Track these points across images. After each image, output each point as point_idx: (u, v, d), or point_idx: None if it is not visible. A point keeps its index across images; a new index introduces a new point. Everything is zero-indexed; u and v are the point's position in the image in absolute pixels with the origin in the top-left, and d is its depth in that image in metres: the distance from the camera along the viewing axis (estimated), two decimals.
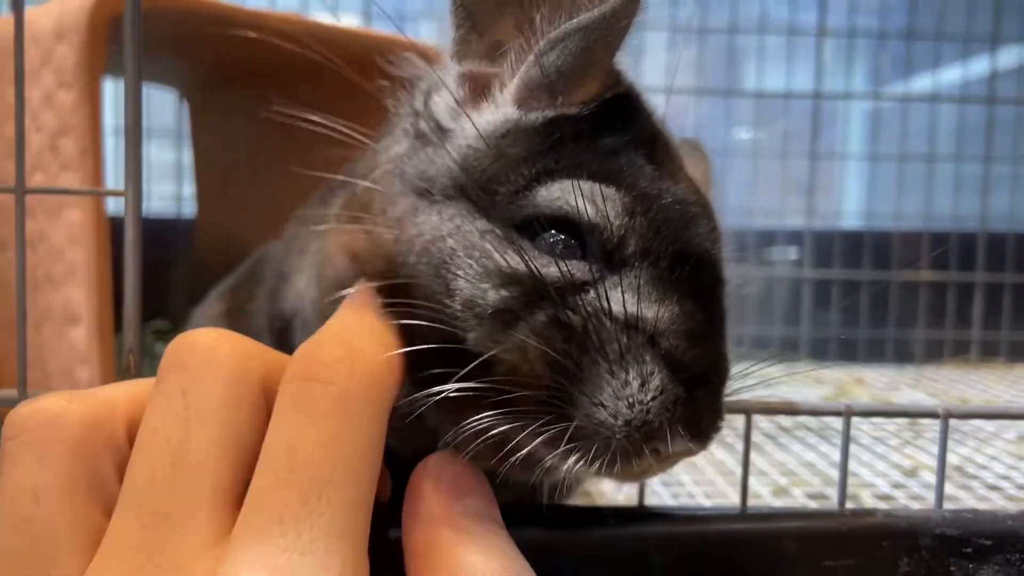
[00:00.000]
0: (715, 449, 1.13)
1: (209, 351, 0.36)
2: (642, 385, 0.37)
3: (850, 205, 1.92)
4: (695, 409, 0.38)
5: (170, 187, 1.75)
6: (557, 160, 0.40)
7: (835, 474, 1.04)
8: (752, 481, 1.00)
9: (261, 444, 0.35)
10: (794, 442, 1.17)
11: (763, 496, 0.95)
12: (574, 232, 0.39)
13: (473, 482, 0.38)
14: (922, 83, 1.87)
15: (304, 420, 0.34)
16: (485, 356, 0.37)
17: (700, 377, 0.38)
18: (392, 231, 0.41)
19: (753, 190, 1.85)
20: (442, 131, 0.43)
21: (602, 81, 0.42)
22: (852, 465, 1.08)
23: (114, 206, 1.78)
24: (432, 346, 0.38)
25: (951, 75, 1.85)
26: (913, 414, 0.56)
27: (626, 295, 0.38)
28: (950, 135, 1.79)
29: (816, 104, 1.76)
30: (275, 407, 0.35)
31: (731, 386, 0.45)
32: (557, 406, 0.37)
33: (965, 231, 1.76)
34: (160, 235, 1.66)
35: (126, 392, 0.38)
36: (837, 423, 1.27)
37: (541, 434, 0.37)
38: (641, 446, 0.37)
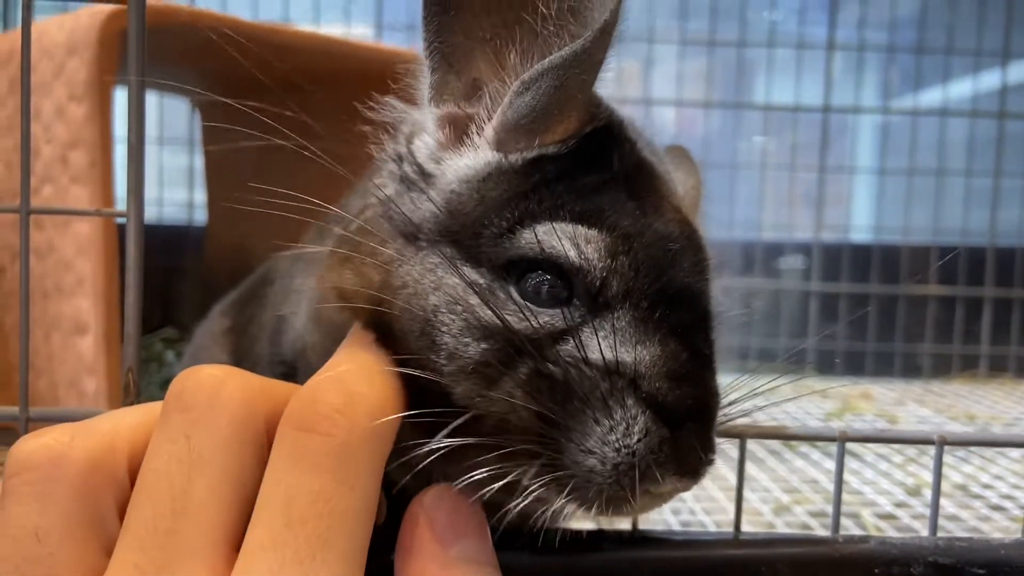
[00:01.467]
0: (719, 465, 1.13)
1: (213, 392, 0.36)
2: (627, 429, 0.37)
3: (859, 219, 1.92)
4: (682, 448, 0.37)
5: (182, 194, 1.76)
6: (539, 202, 0.40)
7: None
8: (753, 498, 1.00)
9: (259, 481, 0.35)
10: (797, 458, 1.17)
11: (764, 514, 0.95)
12: (560, 272, 0.39)
13: (469, 521, 0.38)
14: (932, 97, 1.87)
15: (302, 472, 0.34)
16: (472, 413, 0.38)
17: (685, 416, 0.38)
18: (379, 274, 0.41)
19: (761, 203, 1.85)
20: (425, 175, 0.42)
21: (580, 117, 0.42)
22: (855, 483, 1.08)
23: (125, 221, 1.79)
24: (423, 392, 0.38)
25: (961, 89, 1.84)
26: (908, 441, 0.56)
27: (606, 340, 0.38)
28: (960, 149, 1.79)
29: (825, 117, 1.76)
30: (272, 453, 0.35)
31: (726, 413, 0.45)
32: (548, 455, 0.37)
33: (974, 245, 1.76)
34: (171, 242, 1.67)
35: (128, 424, 0.38)
36: None
37: (535, 484, 0.37)
38: (632, 488, 0.37)
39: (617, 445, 0.37)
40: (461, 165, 0.42)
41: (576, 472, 0.37)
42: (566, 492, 0.37)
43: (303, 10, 1.68)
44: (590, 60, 0.39)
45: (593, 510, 0.38)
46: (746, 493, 1.02)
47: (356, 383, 0.36)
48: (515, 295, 0.39)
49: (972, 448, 1.23)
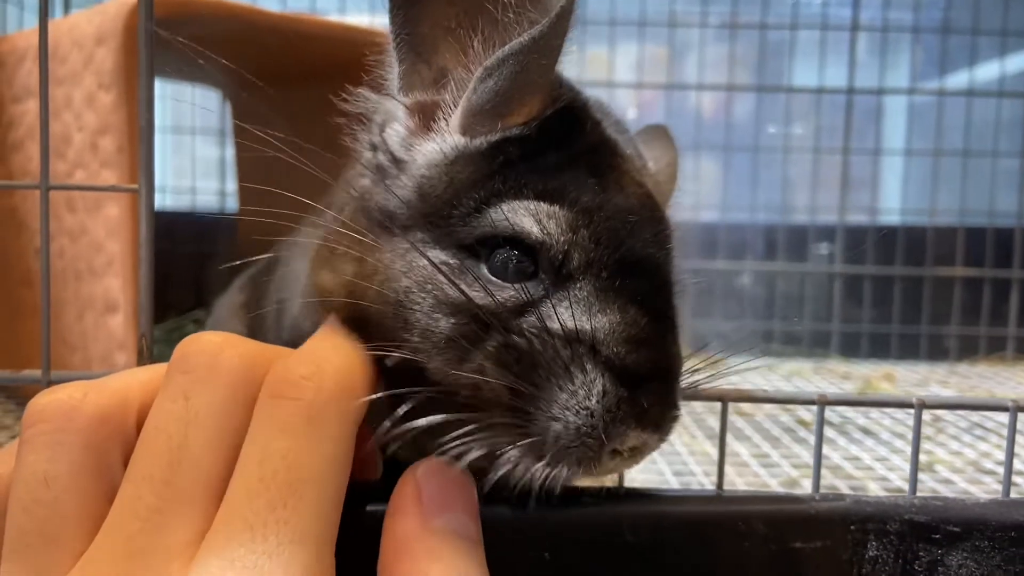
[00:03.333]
0: (732, 441, 1.14)
1: (212, 357, 0.39)
2: (587, 393, 0.39)
3: (886, 201, 1.90)
4: (641, 404, 0.40)
5: (214, 183, 1.81)
6: (504, 181, 0.42)
7: (849, 467, 1.05)
8: (763, 472, 1.02)
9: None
10: (812, 435, 1.18)
11: (772, 487, 0.97)
12: (525, 248, 0.41)
13: (457, 495, 0.40)
14: (958, 79, 1.85)
15: (274, 434, 0.37)
16: (441, 388, 0.40)
17: (645, 376, 0.40)
18: (354, 266, 0.44)
19: (786, 186, 1.85)
20: (397, 162, 0.45)
21: (542, 100, 0.43)
22: (867, 459, 1.09)
23: (157, 200, 1.84)
24: (400, 374, 0.41)
25: (988, 71, 1.82)
26: (886, 404, 0.57)
27: (567, 311, 0.40)
28: (986, 131, 1.77)
29: (849, 99, 1.76)
30: (252, 420, 0.38)
31: (696, 378, 0.47)
32: (519, 423, 0.40)
33: (1001, 227, 1.74)
34: (203, 230, 1.72)
35: (138, 381, 0.41)
36: (859, 418, 1.27)
37: (510, 453, 0.40)
38: (598, 448, 0.39)
39: (577, 408, 0.39)
40: (430, 150, 0.44)
41: (545, 438, 0.39)
42: (539, 458, 0.40)
43: (329, 1, 1.72)
44: (549, 45, 0.41)
45: (566, 472, 0.40)
46: (757, 469, 1.03)
47: (323, 354, 0.40)
48: (484, 271, 0.41)
49: (990, 426, 1.23)
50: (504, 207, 0.41)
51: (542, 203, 0.41)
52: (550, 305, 0.41)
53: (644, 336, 0.41)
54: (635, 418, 0.40)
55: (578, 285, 0.41)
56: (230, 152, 1.73)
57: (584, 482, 0.55)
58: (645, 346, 0.41)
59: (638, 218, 0.43)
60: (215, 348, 0.39)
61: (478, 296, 0.40)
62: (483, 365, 0.40)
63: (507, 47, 0.41)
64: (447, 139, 0.44)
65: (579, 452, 0.39)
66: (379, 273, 0.42)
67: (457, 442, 0.40)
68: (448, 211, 0.42)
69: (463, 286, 0.41)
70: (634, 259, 0.42)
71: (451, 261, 0.41)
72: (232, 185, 1.75)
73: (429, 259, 0.41)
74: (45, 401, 0.38)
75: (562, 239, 0.41)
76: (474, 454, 0.40)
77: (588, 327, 0.40)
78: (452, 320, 0.41)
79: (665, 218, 0.45)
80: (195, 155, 1.81)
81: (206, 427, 0.37)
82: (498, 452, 0.40)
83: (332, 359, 0.39)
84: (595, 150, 0.45)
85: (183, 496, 0.36)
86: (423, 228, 0.43)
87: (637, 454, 0.43)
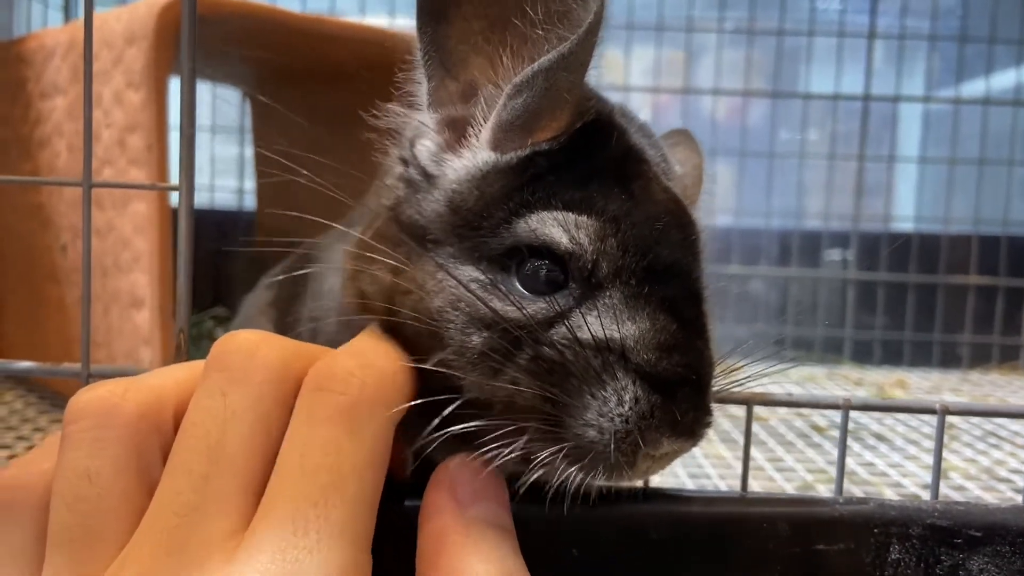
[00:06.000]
0: (755, 456, 1.15)
1: (249, 355, 0.39)
2: (619, 400, 0.40)
3: (900, 208, 1.91)
4: (674, 411, 0.40)
5: (233, 181, 1.83)
6: (533, 193, 0.42)
7: (863, 473, 1.06)
8: (778, 477, 1.03)
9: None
10: (826, 441, 1.19)
11: (788, 492, 0.97)
12: (555, 258, 0.42)
13: (488, 487, 0.41)
14: (974, 87, 1.85)
15: (315, 428, 0.38)
16: (470, 396, 0.41)
17: (677, 382, 0.41)
18: (390, 279, 0.44)
19: (800, 191, 1.85)
20: (428, 177, 0.45)
21: (571, 114, 0.44)
22: (881, 465, 1.09)
23: (177, 199, 1.86)
24: (435, 390, 0.41)
25: (1005, 79, 1.83)
26: (910, 409, 0.58)
27: (596, 320, 0.41)
28: (1002, 139, 1.77)
29: (865, 106, 1.76)
30: (293, 414, 0.39)
31: (728, 381, 0.48)
32: (553, 431, 0.40)
33: (1016, 235, 1.74)
34: (222, 227, 1.74)
35: (175, 379, 0.42)
36: (873, 424, 1.28)
37: (544, 459, 0.41)
38: (632, 454, 0.40)
39: (611, 415, 0.40)
40: (461, 166, 0.45)
41: (580, 444, 0.40)
42: (573, 464, 0.41)
43: (349, 3, 1.74)
44: (577, 61, 0.42)
45: (599, 478, 0.41)
46: (773, 473, 1.04)
47: (369, 353, 0.41)
48: (516, 284, 0.42)
49: (1004, 434, 1.23)
50: (533, 218, 0.42)
51: (570, 213, 0.42)
52: (580, 315, 0.41)
53: (674, 342, 0.41)
54: (669, 425, 0.40)
55: (607, 294, 0.42)
56: (249, 151, 1.74)
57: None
58: (676, 352, 0.41)
59: (665, 224, 0.43)
60: (252, 346, 0.40)
61: (509, 311, 0.41)
62: (516, 377, 0.41)
63: (536, 64, 0.42)
64: (478, 155, 0.44)
65: (612, 458, 0.40)
66: (412, 293, 0.43)
67: (492, 446, 0.41)
68: (478, 223, 0.43)
69: (495, 303, 0.41)
70: (662, 266, 0.42)
71: (481, 277, 0.42)
72: (250, 183, 1.77)
73: (459, 279, 0.42)
74: (87, 399, 0.39)
75: (591, 248, 0.41)
76: (508, 457, 0.41)
77: (618, 335, 0.41)
78: (485, 335, 0.41)
79: (693, 222, 0.46)
80: (214, 154, 1.83)
81: (243, 423, 0.38)
82: (532, 456, 0.41)
83: (377, 359, 0.40)
84: (622, 159, 0.45)
85: (221, 491, 0.37)
86: (453, 242, 0.43)
87: (667, 459, 0.43)
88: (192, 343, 0.55)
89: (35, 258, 1.17)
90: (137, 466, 0.38)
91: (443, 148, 0.46)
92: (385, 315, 0.44)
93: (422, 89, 0.46)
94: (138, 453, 0.39)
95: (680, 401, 0.41)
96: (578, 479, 0.41)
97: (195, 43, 0.54)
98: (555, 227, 0.42)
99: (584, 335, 0.41)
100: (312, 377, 0.39)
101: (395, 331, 0.44)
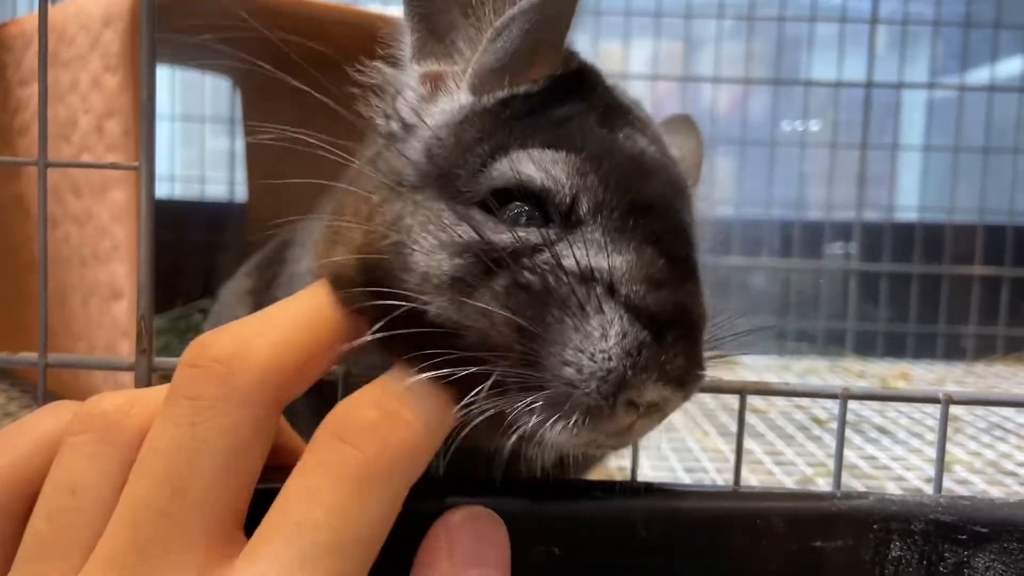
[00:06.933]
0: (745, 439, 1.12)
1: (224, 372, 0.36)
2: (603, 333, 0.36)
3: (904, 198, 1.88)
4: (663, 353, 0.36)
5: (223, 173, 1.80)
6: (510, 134, 0.41)
7: (865, 466, 1.03)
8: (777, 470, 1.00)
9: (264, 460, 0.36)
10: (827, 434, 1.16)
11: (786, 486, 0.95)
12: (535, 202, 0.39)
13: (487, 550, 0.38)
14: (979, 74, 1.82)
15: (326, 481, 0.34)
16: (451, 327, 0.38)
17: (667, 322, 0.37)
18: (360, 228, 0.42)
19: (802, 181, 1.83)
20: (407, 127, 0.44)
21: (552, 60, 0.43)
22: (884, 458, 1.07)
23: (167, 189, 1.83)
24: (409, 332, 0.38)
25: (1010, 66, 1.80)
26: (912, 399, 0.55)
27: (581, 249, 0.38)
28: (1007, 127, 1.74)
29: (868, 93, 1.73)
30: (306, 453, 0.36)
31: (716, 337, 0.44)
32: (532, 373, 0.37)
33: (1021, 225, 1.72)
34: (213, 219, 1.71)
35: None
36: (875, 416, 1.25)
37: (519, 411, 0.37)
38: (612, 398, 0.36)
39: (592, 351, 0.36)
40: (438, 111, 0.43)
41: (556, 386, 0.36)
42: (548, 413, 0.36)
43: None
44: (556, 4, 0.41)
45: (576, 427, 0.36)
46: (771, 467, 1.01)
47: (398, 400, 0.37)
48: (489, 221, 0.39)
49: (1010, 427, 1.21)
50: (510, 157, 0.40)
51: (547, 150, 0.40)
52: (565, 244, 0.38)
53: (663, 277, 0.38)
54: (657, 367, 0.36)
55: (589, 228, 0.39)
56: (240, 142, 1.72)
57: (595, 475, 0.52)
58: (666, 287, 0.38)
59: (650, 163, 0.42)
60: (227, 355, 0.36)
61: (487, 233, 0.38)
62: (490, 304, 0.37)
63: (516, 7, 0.41)
64: (455, 98, 0.44)
65: (592, 401, 0.36)
66: (385, 221, 0.41)
67: (468, 405, 0.37)
68: (455, 170, 0.41)
69: (466, 227, 0.39)
70: (646, 201, 0.40)
71: (458, 210, 0.40)
72: (241, 174, 1.74)
73: (431, 208, 0.40)
74: (96, 411, 0.38)
75: (568, 183, 0.39)
76: (486, 413, 0.37)
77: (605, 264, 0.37)
78: (457, 260, 0.38)
79: (678, 168, 0.44)
80: (204, 145, 1.81)
81: (214, 455, 0.35)
82: (507, 411, 0.37)
83: (404, 405, 0.37)
84: (607, 108, 0.44)
85: (187, 530, 0.34)
86: (431, 188, 0.41)
87: (654, 412, 0.38)
88: (179, 336, 0.53)
89: (16, 248, 1.15)
90: (123, 484, 0.36)
91: (424, 99, 0.45)
92: (360, 280, 0.40)
93: (406, 43, 0.46)
94: (128, 471, 0.36)
95: (670, 345, 0.37)
96: (554, 433, 0.37)
97: (154, 16, 0.51)
98: (528, 164, 0.39)
99: (569, 262, 0.37)
100: (333, 421, 0.36)
101: (371, 291, 0.40)
